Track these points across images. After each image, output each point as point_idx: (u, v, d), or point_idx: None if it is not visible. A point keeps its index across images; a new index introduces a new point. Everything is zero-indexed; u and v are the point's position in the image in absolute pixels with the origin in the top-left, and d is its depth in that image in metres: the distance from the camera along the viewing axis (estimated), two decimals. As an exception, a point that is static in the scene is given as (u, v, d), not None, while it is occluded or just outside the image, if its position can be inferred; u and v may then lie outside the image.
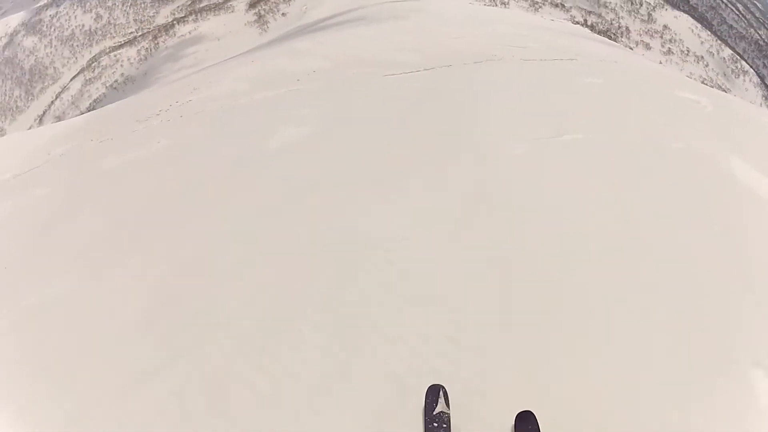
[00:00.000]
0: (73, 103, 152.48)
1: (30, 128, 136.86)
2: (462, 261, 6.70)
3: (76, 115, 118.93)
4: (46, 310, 7.65)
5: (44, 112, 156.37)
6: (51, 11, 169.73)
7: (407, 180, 9.58)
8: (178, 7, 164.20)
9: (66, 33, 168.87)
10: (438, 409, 4.74)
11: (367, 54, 30.65)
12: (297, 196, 9.68)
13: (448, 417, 4.74)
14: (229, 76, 32.71)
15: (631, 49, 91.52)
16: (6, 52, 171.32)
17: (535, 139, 10.85)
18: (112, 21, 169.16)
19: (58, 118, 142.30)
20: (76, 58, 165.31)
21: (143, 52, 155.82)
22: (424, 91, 17.32)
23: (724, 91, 73.90)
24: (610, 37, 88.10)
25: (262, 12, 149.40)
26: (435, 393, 4.87)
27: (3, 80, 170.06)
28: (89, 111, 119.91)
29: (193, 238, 8.92)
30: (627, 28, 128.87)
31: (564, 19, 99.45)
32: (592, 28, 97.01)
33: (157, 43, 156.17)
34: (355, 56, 30.70)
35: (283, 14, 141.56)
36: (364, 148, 12.01)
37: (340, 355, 5.56)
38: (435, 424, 4.67)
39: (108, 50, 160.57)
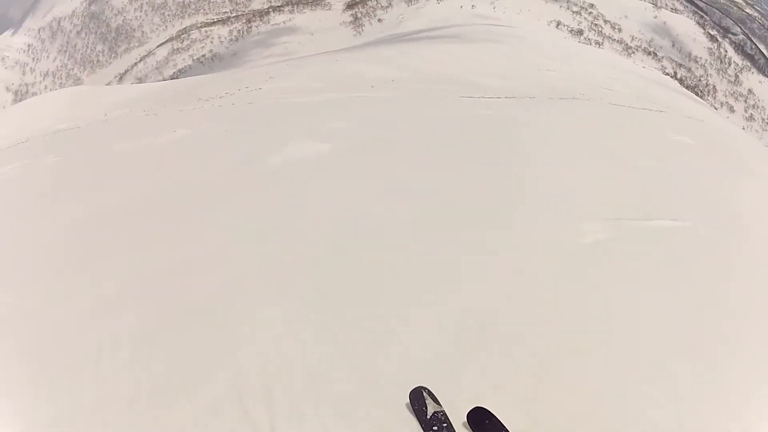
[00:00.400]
0: (157, 68, 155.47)
1: (108, 83, 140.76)
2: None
3: (158, 80, 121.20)
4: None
5: (126, 71, 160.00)
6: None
7: (421, 247, 6.86)
8: None
9: (159, 0, 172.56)
10: (431, 411, 4.43)
11: (449, 71, 29.15)
12: (284, 218, 8.10)
13: (445, 414, 4.43)
14: (307, 71, 32.11)
15: (716, 109, 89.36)
16: (93, 7, 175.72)
17: (614, 220, 7.42)
18: None
19: (140, 80, 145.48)
20: (166, 27, 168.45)
21: (235, 33, 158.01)
22: (495, 120, 15.16)
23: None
24: (697, 94, 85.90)
25: (359, 15, 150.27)
26: (419, 396, 4.55)
27: (87, 33, 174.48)
28: (172, 78, 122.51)
29: (173, 243, 7.61)
30: (714, 87, 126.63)
31: (655, 68, 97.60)
32: (681, 81, 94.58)
33: (250, 27, 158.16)
34: (437, 72, 29.30)
35: (379, 20, 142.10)
36: (386, 186, 9.43)
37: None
38: (435, 428, 4.34)
39: (200, 25, 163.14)
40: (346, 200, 8.62)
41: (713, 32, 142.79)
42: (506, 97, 20.04)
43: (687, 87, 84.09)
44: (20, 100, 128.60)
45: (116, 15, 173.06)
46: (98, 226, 8.58)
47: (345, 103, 18.87)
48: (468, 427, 4.40)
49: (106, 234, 8.14)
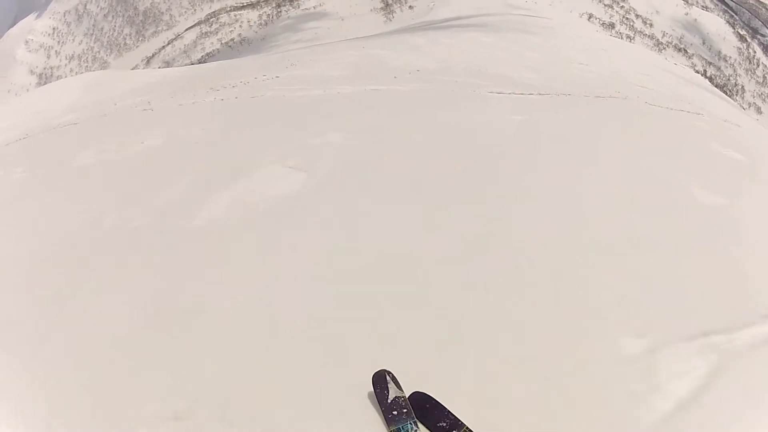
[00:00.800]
0: (185, 52, 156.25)
1: (135, 67, 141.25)
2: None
3: (186, 64, 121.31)
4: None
5: (153, 55, 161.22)
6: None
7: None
8: None
9: None
10: (391, 395, 4.54)
11: (478, 62, 27.35)
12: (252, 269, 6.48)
13: (405, 400, 4.53)
14: (329, 58, 30.50)
15: (744, 109, 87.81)
16: None
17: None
18: None
19: (167, 63, 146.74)
20: (195, 10, 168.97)
21: (264, 17, 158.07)
22: (526, 131, 11.98)
23: None
24: (726, 93, 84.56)
25: (390, 1, 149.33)
26: (382, 379, 4.64)
27: (114, 16, 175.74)
28: (200, 62, 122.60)
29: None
30: (743, 87, 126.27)
31: (686, 65, 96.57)
32: (710, 80, 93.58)
33: (280, 12, 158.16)
34: (466, 62, 27.39)
35: (410, 7, 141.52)
36: (377, 212, 7.74)
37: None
38: (395, 412, 4.45)
39: (229, 9, 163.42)
40: (306, 272, 6.34)
41: (742, 32, 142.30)
42: (539, 94, 18.38)
43: (716, 86, 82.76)
44: (44, 83, 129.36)
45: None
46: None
47: (356, 99, 16.84)
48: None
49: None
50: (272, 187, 8.71)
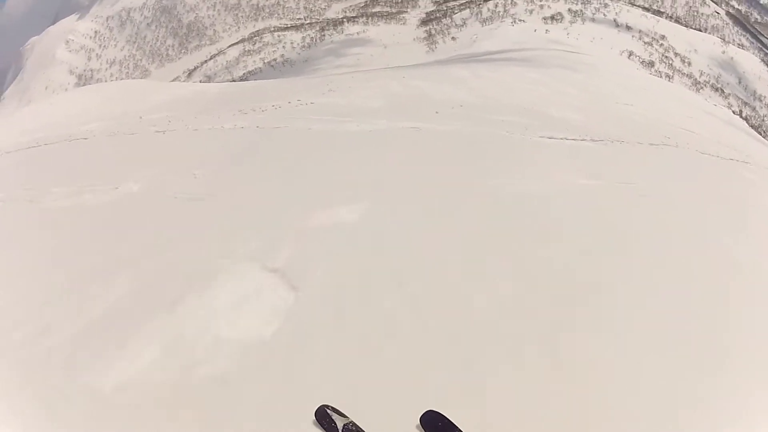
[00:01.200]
0: (226, 68, 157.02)
1: (175, 79, 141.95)
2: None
3: (227, 80, 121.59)
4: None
5: (195, 68, 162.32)
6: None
7: None
8: (350, 6, 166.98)
9: (232, 1, 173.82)
10: (341, 425, 4.45)
11: (522, 99, 26.37)
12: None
13: (354, 424, 4.47)
14: (369, 86, 29.41)
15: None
16: (165, 1, 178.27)
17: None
18: (281, 2, 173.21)
19: (209, 78, 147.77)
20: (239, 28, 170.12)
21: (308, 39, 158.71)
22: (594, 201, 9.81)
23: None
24: (761, 134, 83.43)
25: (433, 31, 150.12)
26: (324, 415, 4.52)
27: (158, 26, 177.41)
28: (241, 80, 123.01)
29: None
30: None
31: (722, 105, 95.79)
32: (746, 120, 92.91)
33: (323, 36, 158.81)
34: (509, 99, 26.55)
35: (453, 38, 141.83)
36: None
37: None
38: None
39: (273, 29, 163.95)
40: None
41: None
42: (592, 140, 17.02)
43: (751, 126, 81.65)
44: (84, 84, 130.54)
45: (188, 12, 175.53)
46: None
47: (390, 142, 15.09)
48: (421, 429, 4.42)
49: None
50: (234, 323, 5.60)
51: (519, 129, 17.87)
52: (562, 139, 16.79)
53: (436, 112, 20.29)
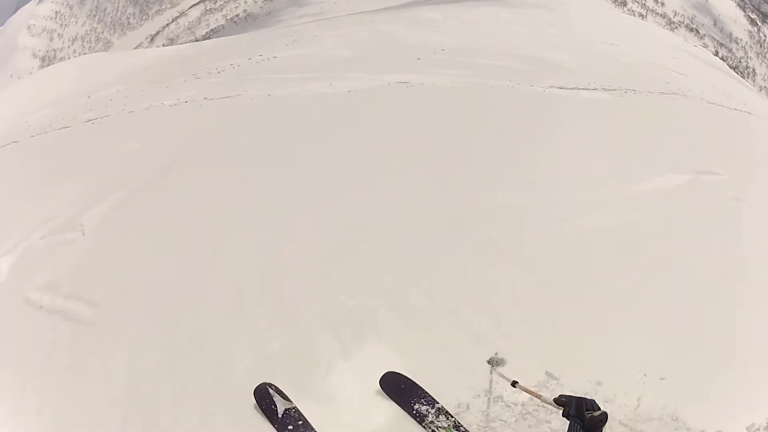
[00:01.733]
0: (189, 28, 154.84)
1: (138, 46, 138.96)
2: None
3: (190, 40, 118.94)
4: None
5: (157, 33, 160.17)
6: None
7: None
8: None
9: None
10: (281, 409, 4.31)
11: (507, 43, 24.06)
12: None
13: (297, 410, 4.36)
14: (336, 34, 27.32)
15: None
16: None
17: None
18: None
19: (171, 41, 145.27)
20: None
21: None
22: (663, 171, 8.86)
23: None
24: (740, 75, 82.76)
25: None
26: (264, 394, 4.45)
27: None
28: (204, 38, 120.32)
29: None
30: (754, 71, 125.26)
31: (699, 44, 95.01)
32: (724, 61, 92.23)
33: None
34: (492, 41, 24.29)
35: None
36: None
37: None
38: (290, 428, 4.22)
39: None
40: None
41: (753, 16, 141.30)
42: (604, 90, 15.58)
43: (730, 68, 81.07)
44: (47, 65, 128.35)
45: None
46: None
47: (378, 105, 12.36)
48: (383, 393, 4.53)
49: None
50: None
51: (521, 77, 15.94)
52: (573, 89, 15.21)
53: (418, 59, 17.87)
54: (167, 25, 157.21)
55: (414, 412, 4.41)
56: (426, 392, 4.43)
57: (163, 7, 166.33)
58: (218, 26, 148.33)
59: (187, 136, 11.30)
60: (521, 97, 13.84)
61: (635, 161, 9.22)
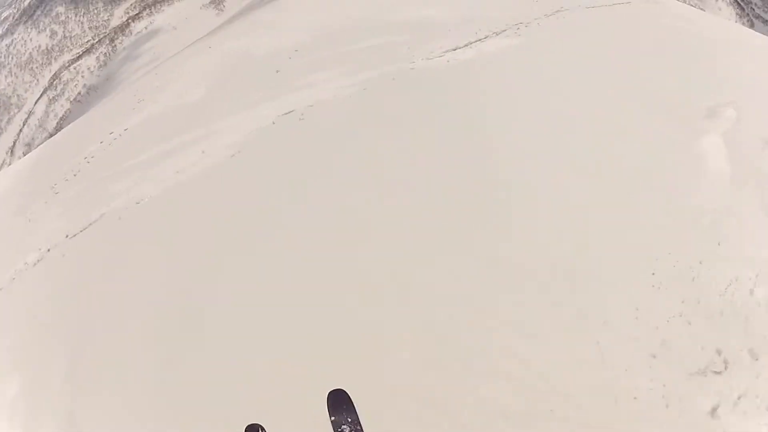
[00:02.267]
0: (40, 126, 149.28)
1: (2, 164, 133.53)
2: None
3: (45, 137, 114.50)
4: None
5: (14, 143, 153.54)
6: (6, 41, 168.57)
7: None
8: (131, 5, 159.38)
9: (24, 58, 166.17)
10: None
11: (367, 13, 21.20)
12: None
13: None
14: (182, 73, 23.62)
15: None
16: None
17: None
18: (67, 34, 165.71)
19: (28, 146, 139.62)
20: (38, 80, 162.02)
21: (102, 57, 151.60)
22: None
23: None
24: None
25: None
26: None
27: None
28: (57, 131, 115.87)
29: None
30: None
31: None
32: None
33: (115, 46, 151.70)
34: (359, 17, 21.14)
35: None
36: None
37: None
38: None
39: (67, 64, 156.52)
40: None
41: None
42: (496, 35, 12.89)
43: None
44: None
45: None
46: None
47: (264, 165, 9.87)
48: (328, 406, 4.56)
49: None
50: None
51: (425, 53, 13.78)
52: (444, 53, 13.38)
53: (277, 72, 14.86)
54: (20, 131, 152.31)
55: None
56: (359, 422, 4.38)
57: (12, 114, 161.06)
58: (65, 112, 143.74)
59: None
60: (430, 77, 11.35)
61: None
